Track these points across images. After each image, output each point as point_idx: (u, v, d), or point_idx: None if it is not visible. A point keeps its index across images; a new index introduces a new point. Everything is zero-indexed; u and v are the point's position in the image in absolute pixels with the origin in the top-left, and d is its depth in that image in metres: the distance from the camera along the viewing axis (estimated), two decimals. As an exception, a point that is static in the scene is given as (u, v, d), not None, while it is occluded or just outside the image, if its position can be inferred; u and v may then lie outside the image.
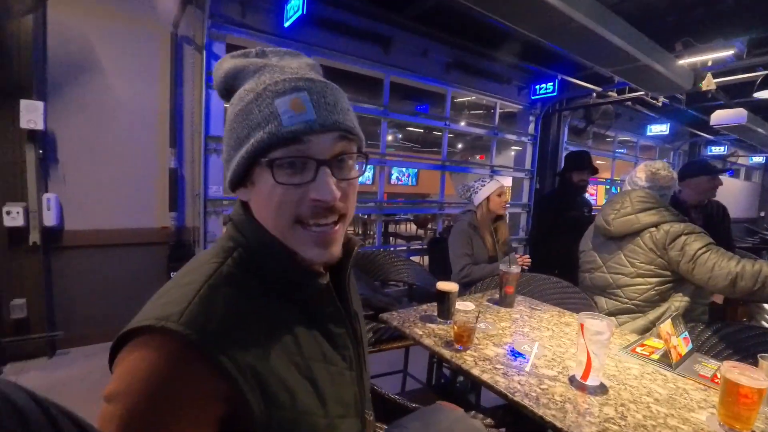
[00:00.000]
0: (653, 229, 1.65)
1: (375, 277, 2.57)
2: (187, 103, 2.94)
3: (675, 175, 1.80)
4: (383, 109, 3.90)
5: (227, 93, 0.59)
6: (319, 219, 0.52)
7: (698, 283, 1.55)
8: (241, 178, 0.55)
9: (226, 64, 0.58)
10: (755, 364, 0.99)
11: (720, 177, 2.46)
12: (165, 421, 0.42)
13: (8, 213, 2.34)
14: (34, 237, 2.45)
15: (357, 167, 0.57)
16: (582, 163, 2.96)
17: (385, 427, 1.03)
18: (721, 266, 1.47)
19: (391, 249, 4.62)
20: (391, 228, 7.84)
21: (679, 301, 1.66)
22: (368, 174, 11.71)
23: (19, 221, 2.37)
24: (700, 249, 1.53)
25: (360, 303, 0.75)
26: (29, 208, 2.42)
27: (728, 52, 3.36)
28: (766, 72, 3.08)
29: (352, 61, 3.61)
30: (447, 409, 0.87)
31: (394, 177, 12.92)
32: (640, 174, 1.82)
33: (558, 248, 2.89)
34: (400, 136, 11.62)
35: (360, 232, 7.01)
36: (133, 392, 0.42)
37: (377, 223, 4.49)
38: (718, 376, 1.12)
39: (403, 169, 13.05)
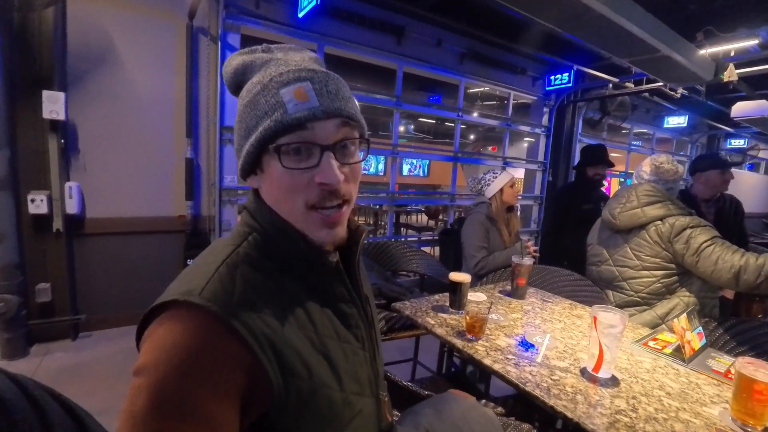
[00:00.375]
0: (659, 222, 1.65)
1: (387, 267, 2.60)
2: (203, 94, 2.97)
3: (680, 168, 1.79)
4: (396, 99, 3.89)
5: (237, 88, 0.62)
6: (325, 202, 0.55)
7: (702, 276, 1.56)
8: (252, 166, 0.58)
9: (234, 61, 0.61)
10: (770, 360, 0.99)
11: (733, 171, 2.41)
12: (192, 389, 0.44)
13: (33, 201, 2.42)
14: (57, 224, 2.53)
15: (360, 154, 0.60)
16: (597, 158, 2.93)
17: (398, 414, 1.06)
18: (724, 260, 1.48)
19: (402, 239, 4.64)
20: (403, 219, 7.86)
21: (687, 297, 1.66)
22: (381, 165, 11.73)
23: (43, 209, 2.45)
24: (704, 242, 1.53)
25: (370, 288, 0.78)
26: (52, 196, 2.50)
27: (752, 42, 3.26)
28: (791, 63, 2.99)
29: (365, 51, 3.60)
30: (459, 397, 0.89)
31: (406, 169, 12.90)
32: (646, 168, 1.82)
33: (569, 241, 2.88)
34: (412, 127, 11.55)
35: (371, 222, 7.05)
36: (160, 363, 0.44)
37: (389, 213, 4.51)
38: (732, 371, 1.13)
39: (413, 161, 13.01)
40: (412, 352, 2.19)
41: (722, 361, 1.21)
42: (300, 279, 0.58)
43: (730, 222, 2.57)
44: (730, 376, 1.11)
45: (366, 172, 11.63)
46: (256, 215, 0.59)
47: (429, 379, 1.69)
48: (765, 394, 0.85)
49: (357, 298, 0.64)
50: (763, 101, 4.28)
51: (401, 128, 10.53)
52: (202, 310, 0.47)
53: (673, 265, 1.64)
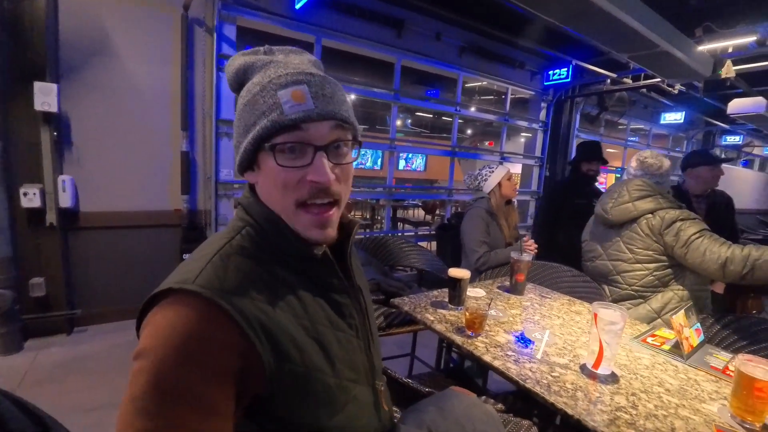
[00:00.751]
0: (650, 215, 1.68)
1: (385, 262, 2.59)
2: (198, 86, 2.93)
3: (665, 163, 1.81)
4: (394, 93, 3.86)
5: (239, 87, 0.64)
6: (316, 199, 0.58)
7: (691, 267, 1.59)
8: (249, 162, 0.60)
9: (236, 61, 0.64)
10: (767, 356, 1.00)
11: (729, 168, 2.44)
12: (188, 372, 0.46)
13: (25, 194, 2.38)
14: (51, 218, 2.50)
15: (353, 154, 0.63)
16: (591, 154, 2.95)
17: (398, 411, 1.06)
18: (712, 251, 1.50)
19: (400, 234, 4.64)
20: (400, 213, 7.85)
21: (680, 290, 1.68)
22: (379, 161, 11.69)
23: (36, 202, 2.41)
24: (693, 234, 1.56)
25: (365, 281, 0.79)
26: (45, 189, 2.46)
27: (750, 38, 3.26)
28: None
29: (363, 44, 3.56)
30: (461, 394, 0.88)
31: (402, 164, 12.86)
32: (633, 164, 1.88)
33: (562, 235, 2.89)
34: (410, 121, 11.50)
35: (368, 216, 7.03)
36: (158, 346, 0.46)
37: (386, 208, 4.50)
38: (730, 368, 1.13)
39: (410, 155, 12.97)
40: (410, 347, 2.19)
41: (720, 358, 1.21)
42: (293, 270, 0.60)
43: (721, 217, 2.61)
44: (728, 372, 1.12)
45: (363, 166, 11.62)
46: (250, 210, 0.61)
47: (428, 374, 1.69)
48: (765, 392, 0.85)
49: (350, 289, 0.66)
50: (760, 98, 4.29)
51: (398, 122, 10.49)
52: (197, 296, 0.49)
53: (664, 258, 1.67)
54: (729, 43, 3.32)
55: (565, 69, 4.46)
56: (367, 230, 5.78)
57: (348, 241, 0.68)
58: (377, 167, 11.99)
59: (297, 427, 0.55)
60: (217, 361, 0.48)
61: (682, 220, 1.61)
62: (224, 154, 3.04)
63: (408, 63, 3.94)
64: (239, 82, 0.64)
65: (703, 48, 3.31)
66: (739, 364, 0.90)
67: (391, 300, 1.57)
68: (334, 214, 0.61)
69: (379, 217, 6.98)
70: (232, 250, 0.57)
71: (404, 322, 1.90)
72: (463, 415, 0.77)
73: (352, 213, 7.46)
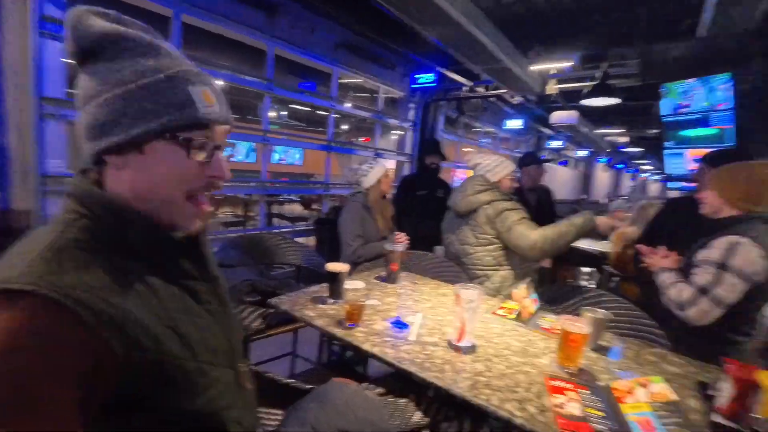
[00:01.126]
0: (486, 206, 2.01)
1: (260, 261, 2.47)
2: (9, 54, 2.31)
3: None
4: (267, 82, 3.68)
5: (92, 54, 0.55)
6: (206, 192, 0.61)
7: (513, 248, 1.95)
8: (129, 147, 0.55)
9: (97, 23, 0.55)
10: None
11: (552, 167, 3.10)
12: (26, 375, 0.41)
13: None
14: None
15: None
16: (430, 149, 3.40)
17: (279, 413, 1.03)
18: (524, 235, 1.88)
19: (276, 231, 4.47)
20: (275, 209, 7.55)
21: (510, 269, 2.03)
22: (253, 154, 10.99)
23: None
24: (514, 221, 1.93)
25: (219, 269, 0.78)
26: None
27: (567, 63, 4.07)
28: (591, 83, 3.83)
29: (231, 26, 3.28)
30: (342, 384, 0.90)
31: (276, 157, 12.35)
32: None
33: (407, 223, 3.19)
34: (285, 113, 11.12)
35: (241, 213, 6.59)
36: None
37: (260, 203, 4.28)
38: (556, 327, 1.41)
39: (284, 148, 12.55)
40: (291, 345, 2.14)
41: (549, 320, 1.50)
42: (143, 260, 0.57)
43: (545, 206, 3.25)
44: (554, 331, 1.38)
45: (234, 158, 10.75)
46: (86, 201, 0.55)
47: (311, 371, 1.69)
48: (577, 342, 1.09)
49: (206, 276, 0.67)
50: (574, 111, 5.41)
51: (272, 114, 10.04)
52: (26, 294, 0.43)
53: (497, 240, 2.00)
54: (553, 66, 4.09)
55: (432, 74, 4.87)
56: (240, 228, 5.41)
57: (201, 230, 0.68)
58: (249, 161, 11.28)
59: (159, 415, 0.53)
60: (58, 363, 0.43)
61: (508, 210, 1.95)
62: (52, 141, 2.47)
63: (281, 52, 3.79)
64: (99, 51, 0.55)
65: (534, 68, 4.00)
66: (561, 324, 1.12)
67: (269, 300, 1.51)
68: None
69: (252, 214, 6.60)
70: (65, 244, 0.50)
71: (283, 321, 1.85)
72: (344, 405, 0.79)
73: (221, 209, 6.88)
